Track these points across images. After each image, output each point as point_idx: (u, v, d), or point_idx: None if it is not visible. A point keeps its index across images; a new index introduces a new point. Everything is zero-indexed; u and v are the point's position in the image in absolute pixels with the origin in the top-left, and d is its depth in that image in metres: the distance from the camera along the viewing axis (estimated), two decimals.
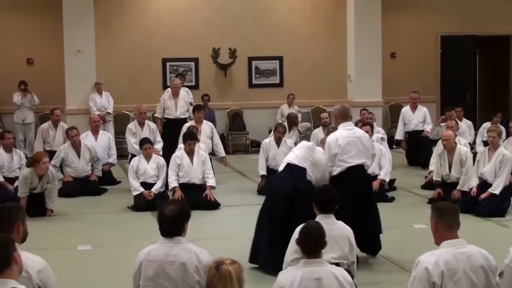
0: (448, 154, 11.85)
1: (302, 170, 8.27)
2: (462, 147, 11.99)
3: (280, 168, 8.63)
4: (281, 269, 8.05)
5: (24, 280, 4.74)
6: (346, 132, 8.48)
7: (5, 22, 18.52)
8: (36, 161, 11.65)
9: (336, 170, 8.36)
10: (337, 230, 6.62)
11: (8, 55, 18.52)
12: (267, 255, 8.12)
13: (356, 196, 8.27)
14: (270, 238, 8.14)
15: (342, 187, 7.74)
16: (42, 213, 11.36)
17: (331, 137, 8.52)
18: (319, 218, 6.51)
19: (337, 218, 6.83)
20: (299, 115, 18.62)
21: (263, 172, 13.04)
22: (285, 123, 15.19)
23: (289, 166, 8.39)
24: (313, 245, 5.23)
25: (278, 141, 13.27)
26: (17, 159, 12.91)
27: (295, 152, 8.55)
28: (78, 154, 13.58)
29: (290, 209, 8.03)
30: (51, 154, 13.51)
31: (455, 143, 11.96)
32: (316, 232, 5.30)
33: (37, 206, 11.45)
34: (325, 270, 5.14)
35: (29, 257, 4.99)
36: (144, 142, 12.47)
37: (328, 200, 6.77)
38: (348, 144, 8.36)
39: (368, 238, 8.45)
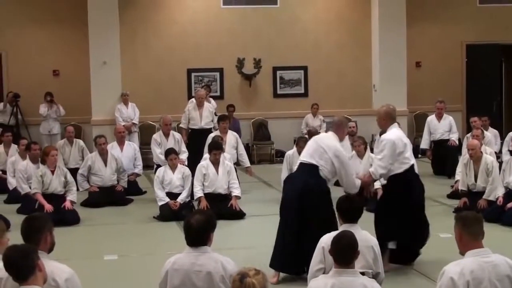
0: (474, 164, 11.79)
1: (314, 168, 8.27)
2: (488, 156, 11.92)
3: (295, 169, 8.77)
4: (292, 270, 8.19)
5: None
6: (401, 132, 8.72)
7: (32, 34, 18.69)
8: (45, 154, 11.89)
9: (401, 168, 8.48)
10: (362, 240, 6.61)
11: (35, 66, 18.67)
12: (279, 255, 8.23)
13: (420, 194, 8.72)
14: (283, 239, 8.24)
15: (407, 186, 8.40)
16: (60, 221, 11.23)
17: (393, 135, 8.54)
18: (343, 228, 6.50)
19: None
20: (324, 125, 18.66)
21: None
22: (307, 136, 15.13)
23: (301, 165, 8.43)
24: (345, 255, 5.21)
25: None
26: None
27: (305, 150, 8.58)
28: (105, 163, 13.68)
29: (301, 209, 8.06)
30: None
31: (481, 152, 11.91)
32: (349, 242, 5.28)
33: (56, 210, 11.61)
34: (357, 282, 5.12)
35: (56, 266, 5.05)
36: (170, 153, 12.52)
37: (352, 210, 6.76)
38: (407, 144, 8.60)
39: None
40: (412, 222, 8.56)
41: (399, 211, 8.43)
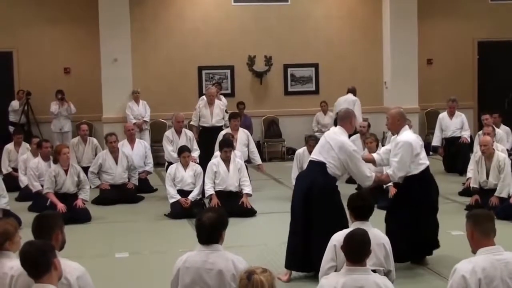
0: (486, 160, 11.75)
1: (322, 165, 8.26)
2: (500, 153, 11.88)
3: (305, 166, 8.81)
4: (301, 269, 8.17)
5: (63, 287, 4.82)
6: (413, 134, 8.83)
7: (43, 32, 18.72)
8: (57, 153, 11.89)
9: (418, 169, 8.51)
10: (373, 237, 6.60)
11: (46, 64, 18.71)
12: (289, 254, 8.28)
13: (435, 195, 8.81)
14: (292, 238, 8.27)
15: (425, 187, 8.52)
16: (72, 218, 11.30)
17: (409, 138, 8.57)
18: (355, 225, 6.49)
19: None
20: None
21: None
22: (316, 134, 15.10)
23: (311, 162, 8.45)
24: (358, 253, 5.20)
25: (311, 153, 13.08)
26: None
27: (317, 147, 8.57)
28: (116, 161, 13.70)
29: (308, 208, 8.08)
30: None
31: (493, 149, 11.87)
32: (362, 240, 5.27)
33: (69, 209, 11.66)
34: (369, 280, 5.11)
35: (68, 264, 5.06)
36: (183, 150, 12.52)
37: (364, 207, 6.75)
38: (422, 144, 8.71)
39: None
40: (427, 222, 8.56)
41: (415, 211, 8.42)
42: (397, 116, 8.66)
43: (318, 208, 7.99)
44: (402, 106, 17.69)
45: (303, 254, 8.04)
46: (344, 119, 8.55)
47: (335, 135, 8.36)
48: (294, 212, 8.29)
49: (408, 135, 8.59)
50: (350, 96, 17.78)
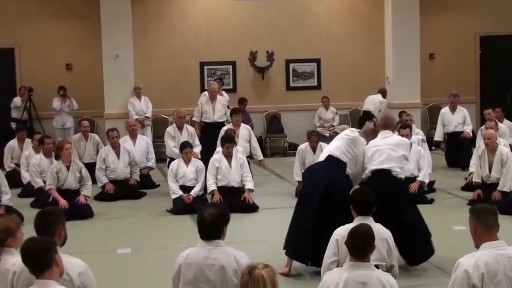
0: (489, 154, 11.74)
1: (342, 164, 8.25)
2: (503, 148, 11.88)
3: (321, 158, 8.61)
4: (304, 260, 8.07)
5: (65, 283, 4.81)
6: (378, 141, 8.44)
7: (45, 28, 18.70)
8: (59, 148, 11.90)
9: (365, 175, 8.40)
10: (375, 232, 6.58)
11: (48, 61, 18.69)
12: (294, 243, 8.28)
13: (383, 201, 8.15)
14: (300, 227, 8.24)
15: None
16: (74, 214, 11.32)
17: (368, 144, 8.46)
18: (357, 220, 6.48)
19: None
20: (337, 117, 18.67)
21: (298, 178, 12.77)
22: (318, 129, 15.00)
23: (330, 158, 8.36)
24: (361, 249, 5.20)
25: (313, 149, 13.13)
26: None
27: (337, 143, 8.49)
28: (118, 156, 13.70)
29: (325, 203, 8.03)
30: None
31: (497, 143, 11.85)
32: (366, 235, 5.26)
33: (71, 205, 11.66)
34: (372, 276, 5.10)
35: (70, 260, 5.06)
36: (185, 146, 12.51)
37: (366, 202, 6.74)
38: (376, 152, 8.31)
39: (411, 246, 8.28)
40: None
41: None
42: (378, 120, 8.65)
43: (336, 208, 7.91)
44: (404, 101, 18.02)
45: (309, 246, 8.02)
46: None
47: (362, 149, 8.39)
48: (309, 201, 8.24)
49: (370, 142, 8.48)
50: (378, 96, 17.90)
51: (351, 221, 6.84)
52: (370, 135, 8.52)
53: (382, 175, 8.18)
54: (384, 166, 8.19)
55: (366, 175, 8.31)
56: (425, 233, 8.44)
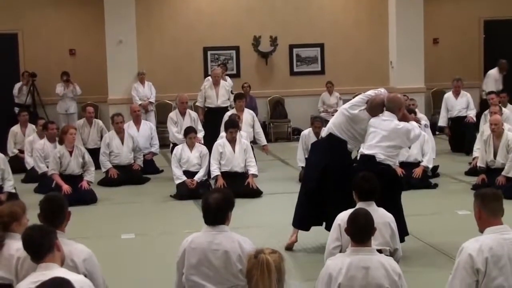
0: (495, 140, 11.73)
1: (343, 142, 8.35)
2: (510, 133, 11.84)
3: (324, 134, 8.85)
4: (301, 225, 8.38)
5: (70, 269, 4.82)
6: (378, 122, 8.39)
7: (48, 13, 18.67)
8: (63, 132, 11.91)
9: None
10: (378, 217, 6.58)
11: (51, 46, 18.67)
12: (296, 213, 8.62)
13: None
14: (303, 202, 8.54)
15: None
16: (78, 200, 11.32)
17: (370, 121, 8.45)
18: (359, 206, 6.47)
19: None
20: (340, 102, 18.62)
21: (301, 164, 12.65)
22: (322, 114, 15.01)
23: (330, 136, 8.49)
24: (361, 234, 5.18)
25: (317, 134, 13.06)
26: None
27: (338, 119, 8.54)
28: (122, 141, 13.71)
29: (322, 182, 8.28)
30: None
31: (503, 128, 11.84)
32: (365, 220, 5.23)
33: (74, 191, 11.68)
34: (374, 260, 5.09)
35: (74, 247, 5.09)
36: (189, 131, 12.51)
37: (367, 188, 6.72)
38: (370, 134, 8.31)
39: None
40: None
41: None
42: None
43: (334, 187, 8.17)
44: (408, 85, 17.99)
45: (314, 216, 8.41)
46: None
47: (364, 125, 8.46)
48: (310, 180, 8.51)
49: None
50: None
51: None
52: (374, 110, 8.47)
53: (366, 160, 8.21)
54: (371, 151, 8.19)
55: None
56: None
